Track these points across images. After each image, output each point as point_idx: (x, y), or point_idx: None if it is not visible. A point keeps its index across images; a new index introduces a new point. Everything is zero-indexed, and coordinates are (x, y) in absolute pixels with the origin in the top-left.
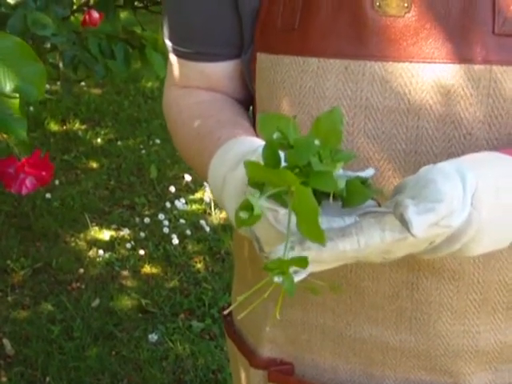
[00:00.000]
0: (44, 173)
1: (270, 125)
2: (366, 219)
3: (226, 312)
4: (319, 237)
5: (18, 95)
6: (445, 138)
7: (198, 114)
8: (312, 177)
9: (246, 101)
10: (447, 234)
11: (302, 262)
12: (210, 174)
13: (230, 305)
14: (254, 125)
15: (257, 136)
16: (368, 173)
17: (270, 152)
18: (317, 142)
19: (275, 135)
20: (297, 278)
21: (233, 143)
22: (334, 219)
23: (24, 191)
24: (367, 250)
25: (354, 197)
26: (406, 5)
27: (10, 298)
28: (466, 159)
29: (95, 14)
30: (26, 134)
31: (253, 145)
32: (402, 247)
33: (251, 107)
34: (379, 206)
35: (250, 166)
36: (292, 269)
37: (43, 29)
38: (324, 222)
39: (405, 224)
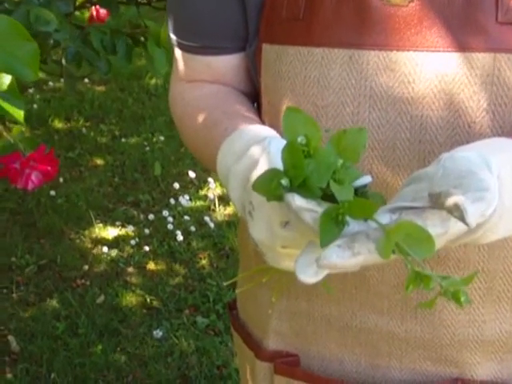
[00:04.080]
0: (49, 168)
1: (296, 124)
2: (408, 215)
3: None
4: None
5: (10, 76)
6: (449, 126)
7: (204, 106)
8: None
9: (252, 94)
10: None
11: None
12: (218, 166)
13: (235, 300)
14: (259, 116)
15: (263, 124)
16: (364, 180)
17: (289, 155)
18: (337, 161)
19: (299, 138)
20: (318, 277)
21: (238, 134)
22: (371, 222)
23: (30, 186)
24: None
25: (359, 211)
26: None
27: (14, 295)
28: (480, 145)
29: (102, 10)
30: (24, 115)
31: (257, 137)
32: (439, 242)
33: (255, 103)
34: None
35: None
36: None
37: (46, 25)
38: (362, 225)
39: (458, 214)
